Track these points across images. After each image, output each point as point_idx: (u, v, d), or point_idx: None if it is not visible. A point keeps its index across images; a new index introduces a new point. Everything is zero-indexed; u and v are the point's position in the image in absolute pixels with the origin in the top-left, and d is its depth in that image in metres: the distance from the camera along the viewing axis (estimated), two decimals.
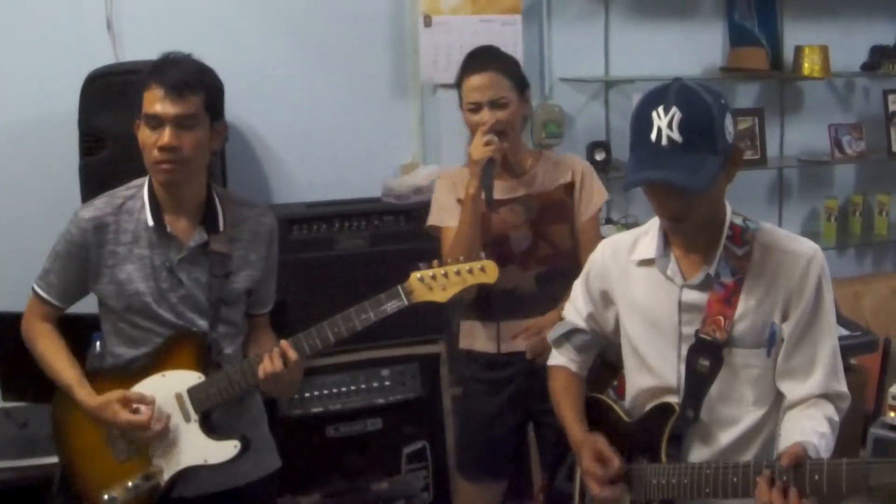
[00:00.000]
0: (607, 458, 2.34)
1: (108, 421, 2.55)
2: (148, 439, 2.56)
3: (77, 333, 2.82)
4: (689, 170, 2.07)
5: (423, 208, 3.86)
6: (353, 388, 3.87)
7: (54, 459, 3.18)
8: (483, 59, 3.10)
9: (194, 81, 2.49)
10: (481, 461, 3.27)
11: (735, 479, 2.12)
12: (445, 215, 3.15)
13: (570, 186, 3.16)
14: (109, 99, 3.43)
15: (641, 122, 2.13)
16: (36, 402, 3.64)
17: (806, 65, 4.65)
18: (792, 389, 2.25)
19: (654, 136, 2.10)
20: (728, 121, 2.15)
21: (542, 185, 3.14)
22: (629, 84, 4.46)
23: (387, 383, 3.91)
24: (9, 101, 3.86)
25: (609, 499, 2.33)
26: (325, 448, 3.84)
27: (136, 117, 2.53)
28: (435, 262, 2.54)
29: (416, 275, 2.52)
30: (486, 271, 2.53)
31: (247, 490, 2.73)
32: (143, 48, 3.68)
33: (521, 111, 3.08)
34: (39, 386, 3.54)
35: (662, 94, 2.13)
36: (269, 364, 2.50)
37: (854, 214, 5.09)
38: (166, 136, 2.46)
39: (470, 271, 2.52)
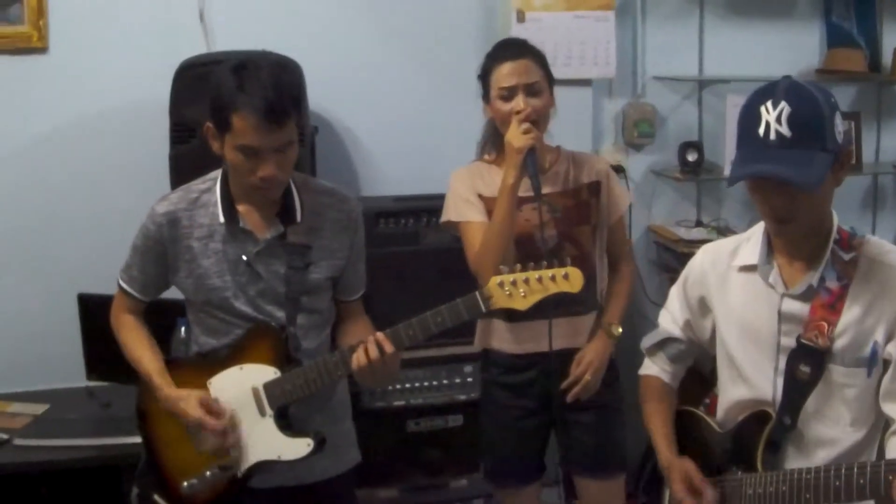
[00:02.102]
0: (698, 488, 2.19)
1: (181, 413, 2.46)
2: (208, 445, 2.47)
3: (163, 318, 2.78)
4: (797, 165, 1.93)
5: None
6: (434, 383, 3.76)
7: (135, 440, 3.16)
8: (515, 48, 2.93)
9: (288, 105, 2.32)
10: (509, 468, 3.08)
11: (837, 483, 1.96)
12: (466, 210, 2.94)
13: (594, 187, 2.98)
14: (200, 89, 3.29)
15: (749, 117, 2.02)
16: (119, 382, 3.64)
17: None
18: None
19: (761, 130, 1.98)
20: (838, 119, 2.00)
21: (567, 183, 2.96)
22: (723, 84, 4.26)
23: (469, 380, 3.78)
24: (102, 90, 3.81)
25: None
26: (405, 442, 3.75)
27: (208, 118, 2.38)
28: (517, 265, 2.29)
29: (495, 280, 2.29)
30: (571, 279, 2.27)
31: (325, 486, 2.62)
32: (234, 39, 3.68)
33: (550, 104, 2.89)
34: (122, 367, 3.57)
35: (771, 89, 2.00)
36: (362, 355, 2.35)
37: None
38: (269, 168, 2.33)
39: (553, 279, 2.27)
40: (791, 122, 1.95)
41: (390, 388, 3.69)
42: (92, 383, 3.76)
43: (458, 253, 3.64)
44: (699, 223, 4.36)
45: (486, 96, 2.92)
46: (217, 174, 2.53)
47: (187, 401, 2.45)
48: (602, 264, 3.03)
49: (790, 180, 1.93)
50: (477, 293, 2.32)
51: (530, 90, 2.82)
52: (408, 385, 3.71)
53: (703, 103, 4.38)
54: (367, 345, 2.36)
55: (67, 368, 3.78)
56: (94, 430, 3.48)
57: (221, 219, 2.46)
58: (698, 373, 2.53)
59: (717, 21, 4.33)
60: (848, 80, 4.45)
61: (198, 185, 2.54)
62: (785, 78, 2.04)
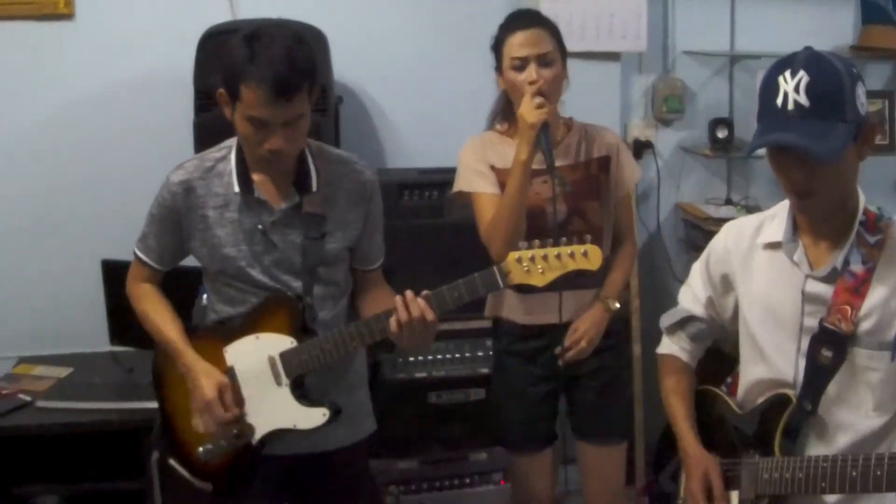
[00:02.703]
0: (716, 496, 2.16)
1: (197, 387, 2.44)
2: (203, 425, 2.45)
3: (185, 286, 2.76)
4: (815, 136, 1.87)
5: None
6: (457, 356, 3.72)
7: (150, 405, 3.17)
8: (528, 18, 2.88)
9: (299, 79, 2.26)
10: (524, 432, 3.08)
11: (854, 473, 1.92)
12: (478, 180, 2.90)
13: (604, 161, 2.94)
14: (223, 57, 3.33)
15: (768, 88, 1.96)
16: (142, 348, 3.59)
17: None
18: None
19: (780, 100, 1.92)
20: (860, 90, 1.94)
21: (577, 157, 2.93)
22: (755, 60, 4.16)
23: (491, 353, 3.69)
24: (128, 57, 3.80)
25: None
26: (426, 414, 3.70)
27: (221, 85, 2.33)
28: (536, 242, 2.24)
29: (514, 255, 2.24)
30: (589, 257, 2.23)
31: (338, 454, 2.61)
32: (260, 7, 3.63)
33: (562, 76, 2.84)
34: (145, 333, 3.58)
35: (791, 59, 1.95)
36: (403, 312, 2.29)
37: None
38: (277, 140, 2.29)
39: (572, 255, 2.22)
40: (810, 91, 1.89)
41: (412, 359, 3.66)
42: (116, 348, 3.76)
43: None
44: (728, 201, 4.28)
45: (498, 67, 2.87)
46: (233, 142, 2.48)
47: (208, 377, 2.43)
48: (608, 241, 3.00)
49: (807, 150, 1.87)
50: (495, 268, 2.27)
51: (542, 60, 2.76)
52: (430, 357, 3.68)
53: (734, 79, 4.29)
54: (409, 304, 2.30)
55: (92, 333, 3.80)
56: (116, 395, 3.49)
57: (236, 188, 2.43)
58: (719, 352, 2.48)
59: None
60: (883, 58, 4.34)
61: (213, 153, 2.50)
62: (806, 48, 1.98)
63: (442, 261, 3.46)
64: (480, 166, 2.91)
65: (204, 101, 3.37)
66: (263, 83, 2.21)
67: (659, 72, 4.22)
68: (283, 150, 2.31)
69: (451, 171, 3.72)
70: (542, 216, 2.83)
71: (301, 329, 2.45)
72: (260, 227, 2.44)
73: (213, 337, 2.51)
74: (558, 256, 2.23)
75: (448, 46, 4.02)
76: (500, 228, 2.75)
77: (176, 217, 2.47)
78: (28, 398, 3.45)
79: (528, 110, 2.68)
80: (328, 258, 2.50)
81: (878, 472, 1.88)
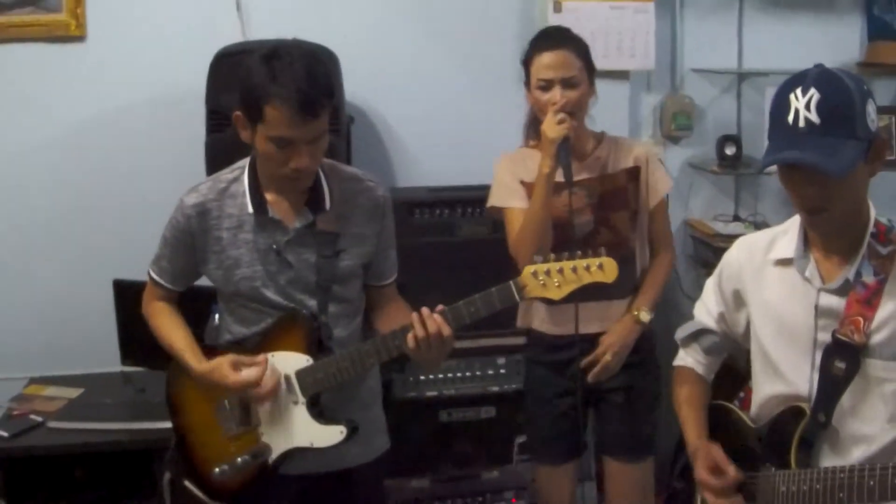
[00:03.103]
0: (722, 468, 2.14)
1: (219, 382, 2.42)
2: (261, 398, 2.42)
3: (197, 305, 2.76)
4: (826, 153, 1.87)
5: None
6: (468, 374, 3.71)
7: (167, 424, 3.18)
8: (556, 37, 2.94)
9: (322, 96, 2.26)
10: (548, 443, 3.11)
11: (871, 483, 1.90)
12: (509, 196, 2.98)
13: (633, 172, 2.99)
14: (236, 77, 3.31)
15: (779, 105, 1.96)
16: (153, 368, 3.63)
17: None
18: None
19: (790, 118, 1.92)
20: (871, 107, 1.94)
21: (605, 169, 2.98)
22: (763, 77, 4.15)
23: (502, 371, 3.74)
24: (139, 79, 3.81)
25: None
26: (437, 433, 3.70)
27: (238, 107, 2.33)
28: (552, 255, 2.25)
29: (529, 269, 2.25)
30: (605, 269, 2.23)
31: (355, 472, 2.60)
32: (271, 28, 3.63)
33: (589, 93, 2.91)
34: (157, 353, 3.57)
35: (802, 77, 1.95)
36: (420, 329, 2.29)
37: None
38: (303, 159, 2.29)
39: (588, 268, 2.22)
40: (820, 108, 1.89)
41: (422, 378, 3.65)
42: (127, 368, 3.75)
43: (493, 244, 3.63)
44: (737, 218, 4.27)
45: (527, 83, 2.94)
46: (245, 163, 2.48)
47: (220, 369, 2.41)
48: (643, 251, 3.03)
49: (817, 166, 1.87)
50: (511, 283, 2.27)
51: (567, 83, 2.83)
52: (441, 376, 3.67)
53: (742, 97, 4.29)
54: (427, 321, 2.29)
55: (103, 353, 3.78)
56: (127, 415, 3.48)
57: (250, 209, 2.42)
58: (731, 367, 2.48)
59: (756, 14, 4.23)
60: (890, 74, 4.33)
61: (226, 174, 2.50)
62: (816, 66, 1.98)
63: (453, 278, 3.46)
64: (512, 182, 2.99)
65: (216, 121, 3.38)
66: (288, 102, 2.21)
67: (667, 90, 4.21)
68: (309, 167, 2.32)
69: (461, 190, 3.78)
70: (569, 227, 2.86)
71: (317, 347, 2.44)
72: (274, 246, 2.44)
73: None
74: (574, 269, 2.23)
75: (458, 66, 4.03)
76: (525, 240, 2.83)
77: (190, 240, 2.47)
78: (39, 419, 3.44)
79: (550, 126, 2.77)
80: (343, 276, 2.49)
81: None
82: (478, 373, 3.72)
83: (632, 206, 2.96)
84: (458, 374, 3.70)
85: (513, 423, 3.75)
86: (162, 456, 3.36)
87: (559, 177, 2.79)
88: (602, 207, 2.92)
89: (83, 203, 3.84)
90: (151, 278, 2.59)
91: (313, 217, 2.44)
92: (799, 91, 1.92)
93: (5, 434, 3.33)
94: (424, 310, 2.31)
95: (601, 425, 3.08)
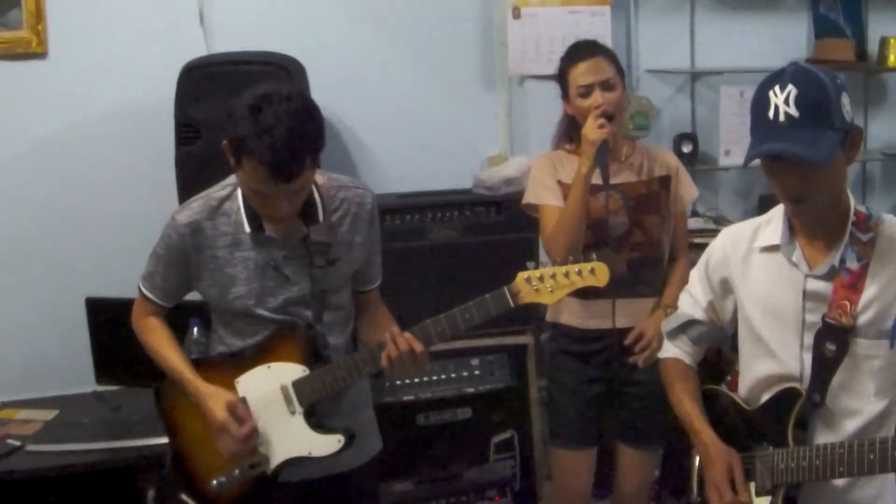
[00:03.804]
0: (738, 486, 2.22)
1: (207, 411, 2.41)
2: (226, 449, 2.42)
3: (176, 319, 2.71)
4: (806, 143, 1.97)
5: (515, 199, 3.75)
6: (443, 377, 3.76)
7: (148, 441, 3.29)
8: (587, 48, 3.10)
9: (302, 159, 2.22)
10: (573, 429, 3.19)
11: (872, 456, 2.00)
12: (546, 193, 3.09)
13: (665, 179, 3.13)
14: (205, 90, 3.34)
15: (760, 102, 2.06)
16: (129, 385, 3.65)
17: (892, 56, 4.37)
18: None
19: (771, 113, 2.02)
20: (845, 99, 2.04)
21: (640, 174, 3.12)
22: (716, 76, 4.27)
23: (476, 373, 3.80)
24: (102, 94, 3.78)
25: None
26: (415, 436, 3.74)
27: (225, 139, 2.27)
28: (542, 262, 2.32)
29: (523, 275, 2.29)
30: (597, 274, 2.29)
31: (350, 475, 2.60)
32: (234, 40, 3.67)
33: (623, 98, 3.05)
34: (132, 370, 3.54)
35: (779, 74, 2.05)
36: (394, 350, 2.33)
37: None
38: (281, 208, 2.29)
39: (580, 273, 2.28)
40: (798, 103, 1.99)
41: (399, 383, 3.67)
42: (101, 387, 3.71)
43: (464, 248, 3.72)
44: (695, 213, 4.34)
45: (564, 95, 3.07)
46: (235, 180, 2.44)
47: (216, 400, 2.41)
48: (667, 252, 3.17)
49: (799, 156, 1.96)
50: (505, 288, 2.32)
51: (605, 85, 2.97)
52: (416, 380, 3.70)
53: (696, 95, 4.39)
54: (397, 340, 2.33)
55: (75, 374, 3.74)
56: (107, 434, 3.43)
57: (247, 228, 2.41)
58: (717, 352, 2.56)
59: (707, 14, 4.33)
60: (836, 70, 4.41)
61: (217, 192, 2.47)
62: (792, 64, 2.07)
63: (424, 282, 3.56)
64: (549, 180, 3.09)
65: (186, 134, 3.36)
66: (265, 164, 2.19)
67: None
68: (287, 214, 2.33)
69: (431, 195, 3.82)
70: (604, 227, 3.00)
71: (313, 357, 2.44)
72: (272, 263, 2.43)
73: (224, 368, 2.49)
74: (566, 275, 2.28)
75: (423, 74, 4.07)
76: (559, 237, 2.94)
77: (184, 257, 2.45)
78: (17, 443, 3.37)
79: (591, 129, 2.90)
80: (337, 284, 2.50)
81: None
82: (453, 375, 3.77)
83: (662, 211, 3.10)
84: (434, 378, 3.74)
85: (488, 423, 3.83)
86: (143, 473, 3.33)
87: (597, 178, 2.91)
88: (637, 210, 3.05)
89: (51, 220, 3.79)
90: (143, 294, 2.56)
91: (307, 230, 2.44)
92: (777, 88, 2.01)
93: None
94: (394, 329, 2.36)
95: (622, 415, 3.17)
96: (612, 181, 2.99)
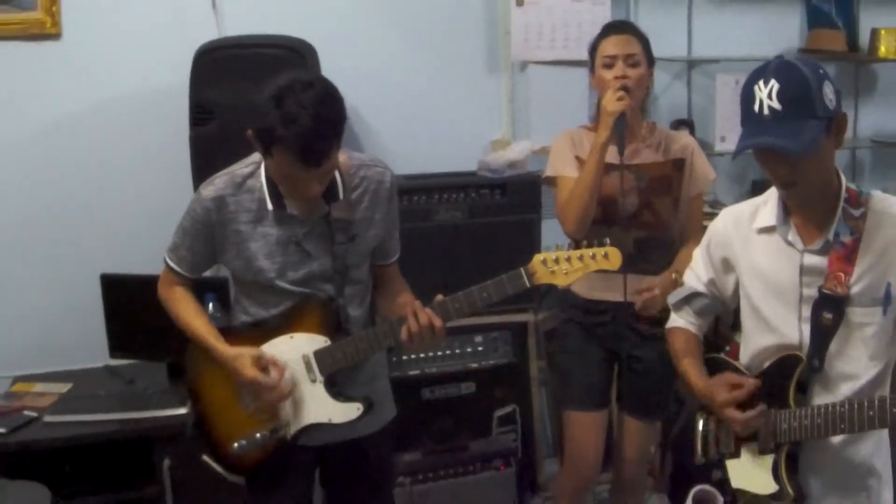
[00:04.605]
0: (740, 382, 2.35)
1: (237, 371, 2.48)
2: (269, 402, 2.50)
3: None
4: (789, 135, 2.09)
5: (519, 182, 3.82)
6: (448, 352, 3.84)
7: (161, 413, 3.37)
8: (620, 25, 3.20)
9: (329, 144, 2.30)
10: (584, 391, 3.26)
11: (871, 413, 2.13)
12: (563, 166, 3.14)
13: (679, 163, 3.16)
14: (218, 72, 3.38)
15: (746, 96, 2.17)
16: (142, 359, 3.73)
17: (882, 47, 4.47)
18: None
19: (756, 107, 2.13)
20: (828, 88, 2.15)
21: (655, 156, 3.14)
22: (712, 64, 4.35)
23: (480, 349, 3.88)
24: (116, 76, 3.82)
25: (754, 418, 2.32)
26: (421, 409, 3.81)
27: (251, 129, 2.33)
28: (558, 245, 2.43)
29: (539, 257, 2.40)
30: (609, 258, 2.40)
31: (367, 440, 2.69)
32: (245, 23, 3.71)
33: (647, 79, 3.09)
34: (146, 344, 3.59)
35: (763, 69, 2.16)
36: (414, 324, 2.42)
37: None
38: (311, 189, 2.37)
39: (593, 257, 2.39)
40: (781, 97, 2.10)
41: (405, 357, 3.76)
42: (113, 362, 3.77)
43: (469, 229, 3.79)
44: None
45: (592, 68, 3.13)
46: (259, 158, 2.49)
47: (242, 360, 2.47)
48: (678, 236, 3.20)
49: (782, 149, 2.08)
50: (522, 269, 2.41)
51: (629, 60, 3.03)
52: (422, 355, 3.78)
53: (693, 83, 4.46)
54: (419, 314, 2.41)
55: (88, 349, 3.80)
56: (121, 405, 3.49)
57: (270, 205, 2.47)
58: (715, 325, 2.65)
59: (704, 4, 4.40)
60: (828, 60, 4.53)
61: (241, 169, 2.53)
62: (777, 58, 2.18)
63: (430, 261, 3.60)
64: (568, 153, 3.15)
65: (200, 115, 3.40)
66: (293, 151, 2.25)
67: None
68: (317, 195, 2.40)
69: (437, 176, 3.87)
70: (615, 205, 3.05)
71: (335, 329, 2.52)
72: (294, 239, 2.50)
73: (248, 337, 2.55)
74: (581, 258, 2.39)
75: (429, 58, 4.12)
76: (572, 206, 2.99)
77: (210, 231, 2.51)
78: (34, 414, 3.43)
79: (610, 100, 2.96)
80: (358, 260, 2.57)
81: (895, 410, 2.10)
82: (457, 351, 3.84)
83: (675, 193, 3.14)
84: (439, 353, 3.82)
85: (491, 397, 3.91)
86: (158, 444, 3.39)
87: (613, 157, 2.96)
88: (649, 191, 3.09)
89: (66, 200, 3.82)
90: (169, 266, 2.62)
91: (328, 207, 2.50)
92: (761, 82, 2.13)
93: (2, 430, 3.32)
94: (416, 304, 2.45)
95: (626, 386, 3.24)
96: (631, 161, 3.05)
